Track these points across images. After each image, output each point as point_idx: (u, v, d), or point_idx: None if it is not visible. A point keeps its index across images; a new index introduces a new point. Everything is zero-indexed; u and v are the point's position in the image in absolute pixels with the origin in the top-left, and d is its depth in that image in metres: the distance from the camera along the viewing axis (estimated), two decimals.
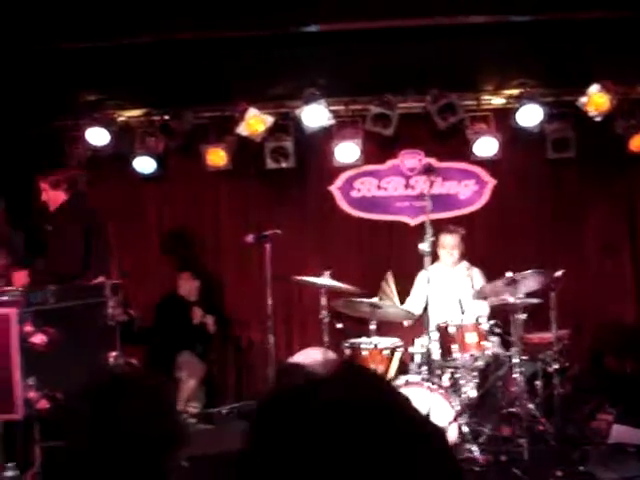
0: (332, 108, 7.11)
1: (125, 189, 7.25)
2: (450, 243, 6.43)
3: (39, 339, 3.72)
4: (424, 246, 5.67)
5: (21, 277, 5.01)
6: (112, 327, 4.77)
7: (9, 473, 4.20)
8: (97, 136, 7.05)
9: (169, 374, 6.64)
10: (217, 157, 7.15)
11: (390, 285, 6.76)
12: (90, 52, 6.52)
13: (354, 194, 7.50)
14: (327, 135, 7.22)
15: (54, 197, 5.37)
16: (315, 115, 6.98)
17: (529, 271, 5.43)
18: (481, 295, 6.01)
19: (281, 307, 6.75)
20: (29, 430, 4.65)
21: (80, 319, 4.36)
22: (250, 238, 5.91)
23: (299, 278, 6.13)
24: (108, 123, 7.13)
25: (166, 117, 7.20)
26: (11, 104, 6.98)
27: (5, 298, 3.94)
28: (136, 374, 4.68)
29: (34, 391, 3.77)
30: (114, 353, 4.74)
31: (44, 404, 3.80)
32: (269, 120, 7.02)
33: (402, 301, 6.59)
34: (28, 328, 3.71)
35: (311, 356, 7.10)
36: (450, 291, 6.28)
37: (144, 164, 7.24)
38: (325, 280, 5.89)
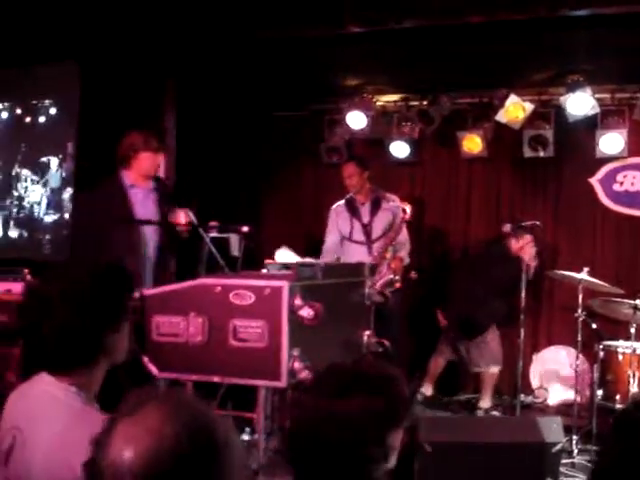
0: (597, 96, 6.74)
1: (379, 173, 7.38)
2: None
3: (306, 312, 3.85)
4: None
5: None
6: (367, 306, 4.86)
7: (245, 437, 4.45)
8: (356, 120, 7.23)
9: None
10: (473, 144, 7.06)
11: None
12: (351, 38, 6.65)
13: (616, 187, 7.06)
14: (590, 124, 6.85)
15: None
16: (579, 103, 6.63)
17: None
18: None
19: (529, 301, 6.53)
20: (282, 398, 4.89)
21: (341, 296, 4.49)
22: (507, 227, 5.77)
23: (557, 272, 5.89)
24: (367, 107, 7.28)
25: (424, 102, 7.22)
26: (274, 87, 7.35)
27: (279, 272, 4.15)
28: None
29: (298, 362, 3.92)
30: (367, 332, 4.84)
31: (306, 375, 3.93)
32: (529, 107, 6.80)
33: None
34: (297, 301, 3.86)
35: (559, 354, 6.86)
36: None
37: (399, 148, 7.33)
38: (585, 277, 5.61)
